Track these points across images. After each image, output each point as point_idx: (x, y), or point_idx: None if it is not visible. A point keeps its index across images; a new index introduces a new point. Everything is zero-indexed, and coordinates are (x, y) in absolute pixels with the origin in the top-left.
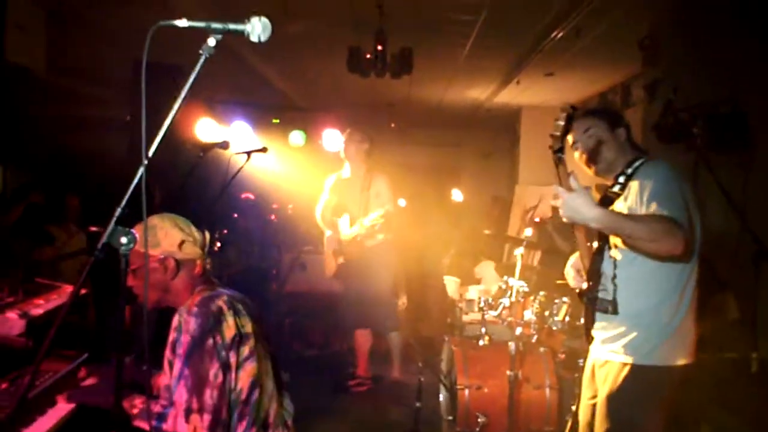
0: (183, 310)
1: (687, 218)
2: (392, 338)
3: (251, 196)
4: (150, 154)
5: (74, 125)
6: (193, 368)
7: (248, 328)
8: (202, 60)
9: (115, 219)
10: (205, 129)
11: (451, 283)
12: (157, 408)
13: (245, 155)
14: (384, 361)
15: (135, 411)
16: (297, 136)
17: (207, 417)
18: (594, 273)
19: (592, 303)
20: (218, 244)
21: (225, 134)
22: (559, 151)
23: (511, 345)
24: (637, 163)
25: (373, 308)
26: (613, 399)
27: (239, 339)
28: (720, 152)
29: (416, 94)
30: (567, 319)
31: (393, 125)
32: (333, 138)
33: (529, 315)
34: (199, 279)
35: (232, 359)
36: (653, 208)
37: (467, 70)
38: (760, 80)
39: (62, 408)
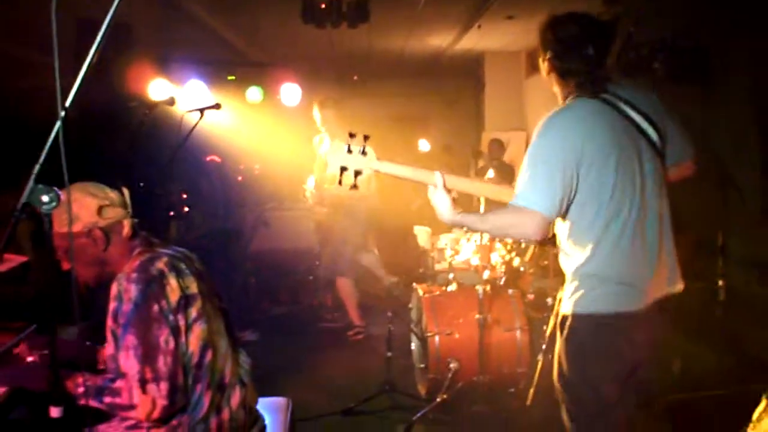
0: (121, 277)
1: (553, 190)
2: (339, 283)
3: (217, 159)
4: (67, 104)
5: (26, 95)
6: (141, 337)
7: (193, 288)
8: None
9: (33, 176)
10: (158, 89)
11: (422, 233)
12: (103, 382)
13: (198, 113)
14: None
15: (80, 390)
16: (254, 92)
17: (164, 385)
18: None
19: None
20: (186, 209)
21: (179, 93)
22: None
23: (479, 289)
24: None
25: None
26: (560, 351)
27: (185, 301)
28: (681, 86)
29: (377, 45)
30: (534, 259)
31: (355, 78)
32: (291, 93)
33: (496, 258)
34: (133, 241)
35: (181, 322)
36: (517, 184)
37: (427, 17)
38: (721, 14)
39: None
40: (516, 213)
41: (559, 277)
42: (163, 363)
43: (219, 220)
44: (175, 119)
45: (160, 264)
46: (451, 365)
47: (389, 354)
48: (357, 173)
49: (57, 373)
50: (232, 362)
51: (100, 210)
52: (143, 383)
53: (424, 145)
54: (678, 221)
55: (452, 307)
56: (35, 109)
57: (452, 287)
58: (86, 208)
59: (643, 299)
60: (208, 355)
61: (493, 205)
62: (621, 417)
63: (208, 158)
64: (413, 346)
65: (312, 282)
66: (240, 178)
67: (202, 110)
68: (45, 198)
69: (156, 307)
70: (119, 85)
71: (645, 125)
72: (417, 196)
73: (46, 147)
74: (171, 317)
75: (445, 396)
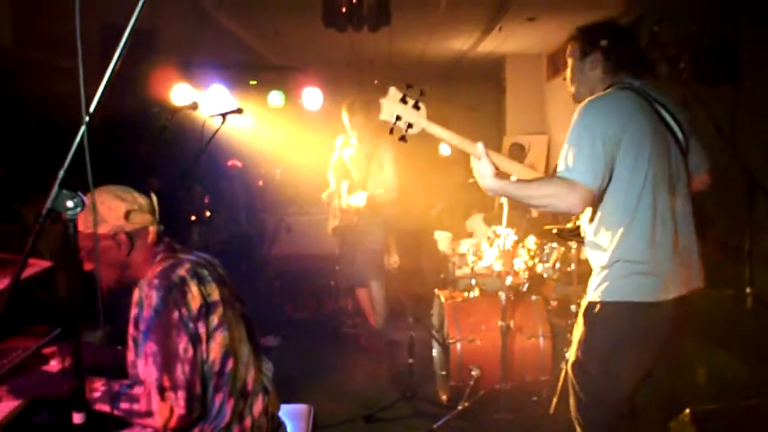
0: (143, 283)
1: (597, 165)
2: (372, 288)
3: (238, 164)
4: (91, 110)
5: (50, 100)
6: (161, 344)
7: (215, 295)
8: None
9: (58, 182)
10: (181, 94)
11: (443, 238)
12: (121, 388)
13: (221, 117)
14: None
15: (96, 394)
16: (276, 97)
17: (182, 393)
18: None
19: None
20: (208, 213)
21: (202, 98)
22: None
23: (502, 295)
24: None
25: (361, 264)
26: (581, 337)
27: (206, 309)
28: (708, 86)
29: (397, 49)
30: (558, 265)
31: (376, 82)
32: (313, 97)
33: (519, 263)
34: (156, 247)
35: (201, 330)
36: (560, 161)
37: (448, 20)
38: (750, 9)
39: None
40: (561, 184)
41: (584, 284)
42: (181, 371)
43: (241, 224)
44: (198, 124)
45: (182, 271)
46: (473, 372)
47: (411, 360)
48: (409, 125)
49: (81, 379)
50: (255, 369)
51: (127, 214)
52: (161, 390)
53: (445, 149)
54: (705, 226)
55: (474, 314)
56: (61, 114)
57: (474, 293)
58: (114, 211)
59: (668, 291)
60: (230, 363)
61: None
62: (631, 410)
63: (229, 162)
64: (435, 352)
65: (333, 287)
66: (261, 183)
67: (224, 115)
68: (70, 203)
69: (176, 315)
70: (142, 90)
71: (674, 126)
72: (438, 200)
73: (71, 152)
74: (191, 325)
75: (466, 404)
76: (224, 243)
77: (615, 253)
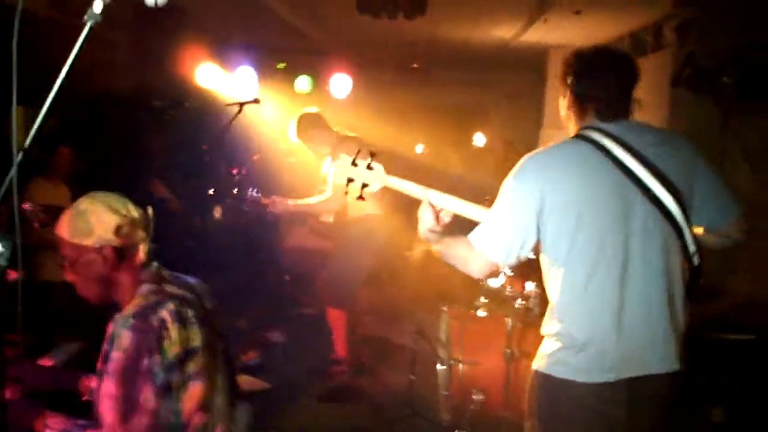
0: (119, 319)
1: (504, 238)
2: (332, 315)
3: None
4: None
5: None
6: (124, 389)
7: (196, 341)
8: (86, 30)
9: None
10: (207, 74)
11: None
12: (75, 429)
13: (237, 106)
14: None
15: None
16: (303, 82)
17: None
18: None
19: None
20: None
21: (228, 80)
22: None
23: (508, 322)
24: None
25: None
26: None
27: (184, 356)
28: (753, 102)
29: (440, 34)
30: None
31: (415, 65)
32: (341, 84)
33: (530, 287)
34: (143, 270)
35: (175, 378)
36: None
37: (493, 7)
38: None
39: None
40: (467, 249)
41: None
42: (137, 422)
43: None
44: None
45: (164, 312)
46: (476, 397)
47: (412, 377)
48: (364, 185)
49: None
50: (225, 423)
51: (118, 229)
52: None
53: (479, 139)
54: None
55: (481, 336)
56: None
57: (482, 312)
58: (104, 224)
59: (609, 371)
60: (197, 418)
61: None
62: None
63: (255, 157)
64: (439, 367)
65: None
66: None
67: (241, 104)
68: None
69: (146, 363)
70: (169, 66)
71: (649, 180)
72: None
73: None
74: (161, 375)
75: (466, 430)
76: (247, 225)
77: (548, 321)
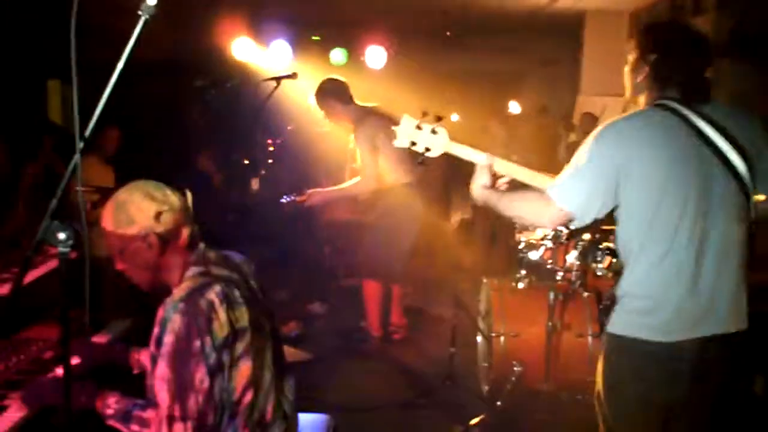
0: (169, 303)
1: (583, 192)
2: (367, 287)
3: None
4: (87, 133)
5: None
6: (177, 372)
7: (244, 320)
8: (141, 22)
9: (50, 213)
10: (243, 48)
11: None
12: (133, 408)
13: (275, 82)
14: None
15: (108, 411)
16: (338, 54)
17: (191, 424)
18: None
19: None
20: (270, 161)
21: (263, 55)
22: None
23: (550, 295)
24: None
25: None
26: (598, 367)
27: (233, 337)
28: None
29: (473, 0)
30: (613, 263)
31: (448, 33)
32: (376, 55)
33: (571, 259)
34: (189, 252)
35: (225, 358)
36: (563, 171)
37: None
38: None
39: (14, 414)
40: (539, 200)
41: None
42: (194, 402)
43: (302, 176)
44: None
45: (211, 294)
46: (516, 368)
47: (452, 350)
48: (427, 149)
49: (68, 387)
50: (276, 397)
51: (158, 215)
52: (170, 420)
53: (514, 107)
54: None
55: (521, 308)
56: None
57: (523, 284)
58: (144, 212)
59: (682, 330)
60: (249, 395)
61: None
62: None
63: (289, 127)
64: (479, 339)
65: None
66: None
67: (278, 79)
68: (61, 236)
69: (197, 344)
70: (206, 39)
71: (727, 149)
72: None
73: (63, 182)
74: (213, 355)
75: (506, 402)
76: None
77: (622, 287)
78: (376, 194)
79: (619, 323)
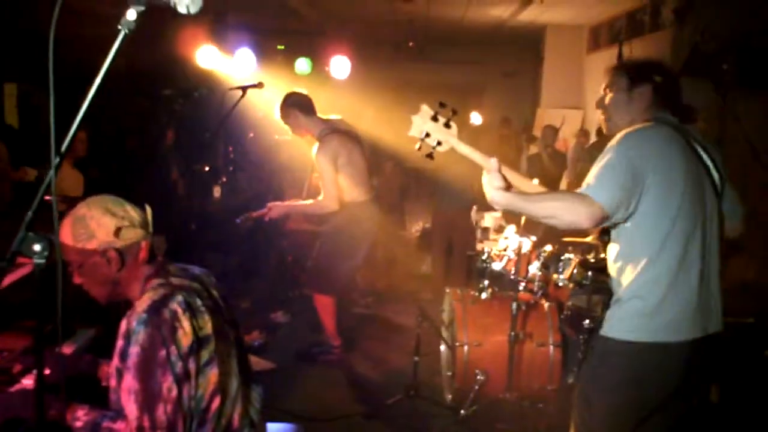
0: (132, 315)
1: (617, 192)
2: (321, 301)
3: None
4: (63, 149)
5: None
6: (144, 383)
7: (207, 328)
8: (121, 37)
9: (25, 224)
10: (207, 57)
11: None
12: (102, 420)
13: (240, 91)
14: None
15: (78, 423)
16: (303, 64)
17: None
18: (603, 244)
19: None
20: (230, 168)
21: (228, 63)
22: None
23: (513, 305)
24: None
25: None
26: (588, 366)
27: (197, 345)
28: (753, 91)
29: (436, 12)
30: (574, 274)
31: (411, 44)
32: (341, 65)
33: (533, 269)
34: (148, 265)
35: (191, 366)
36: (586, 180)
37: None
38: None
39: None
40: (578, 199)
41: (600, 295)
42: (162, 411)
43: (263, 183)
44: (216, 96)
45: (174, 304)
46: (479, 377)
47: (416, 359)
48: (438, 143)
49: (41, 392)
50: (242, 404)
51: (117, 231)
52: (140, 431)
53: (476, 118)
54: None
55: (484, 318)
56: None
57: (485, 294)
58: (104, 227)
59: (680, 333)
60: (216, 401)
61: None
62: None
63: (249, 135)
64: (442, 348)
65: None
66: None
67: (244, 89)
68: (37, 247)
69: (163, 353)
70: (168, 48)
71: (711, 167)
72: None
73: (39, 194)
74: (179, 364)
75: (469, 411)
76: (247, 202)
77: (630, 290)
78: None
79: (623, 327)
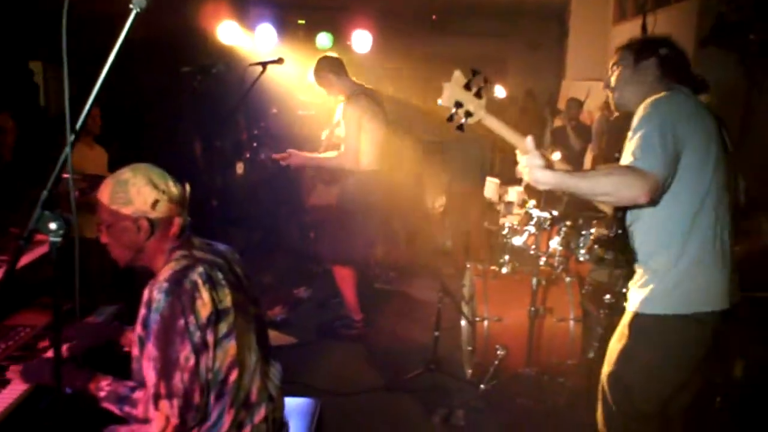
0: (154, 284)
1: (666, 158)
2: (340, 273)
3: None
4: (78, 126)
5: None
6: (162, 350)
7: (227, 301)
8: (132, 15)
9: (41, 203)
10: (228, 32)
11: (490, 185)
12: (124, 390)
13: (261, 67)
14: None
15: (102, 393)
16: (324, 39)
17: (176, 402)
18: (618, 220)
19: (624, 253)
20: (254, 144)
21: (249, 39)
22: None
23: (533, 281)
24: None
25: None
26: (617, 346)
27: (216, 317)
28: None
29: None
30: (595, 249)
31: (434, 17)
32: (362, 39)
33: (554, 244)
34: (176, 239)
35: (209, 338)
36: (627, 155)
37: None
38: None
39: (15, 389)
40: (631, 172)
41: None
42: (179, 380)
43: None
44: (237, 72)
45: (195, 275)
46: (499, 352)
47: (436, 333)
48: (468, 114)
49: (59, 370)
50: (261, 378)
51: (155, 203)
52: (156, 398)
53: (500, 91)
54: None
55: (505, 293)
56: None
57: (506, 269)
58: (142, 196)
59: (716, 303)
60: (234, 374)
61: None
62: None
63: (273, 110)
64: (463, 323)
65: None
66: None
67: (264, 64)
68: (53, 225)
69: (182, 322)
70: (191, 21)
71: (726, 137)
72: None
73: (54, 173)
74: (198, 334)
75: (489, 385)
76: (269, 180)
77: (660, 264)
78: (343, 178)
79: (656, 302)
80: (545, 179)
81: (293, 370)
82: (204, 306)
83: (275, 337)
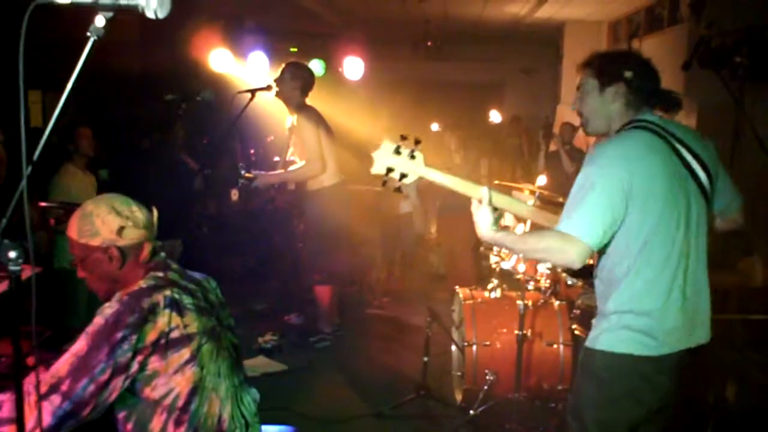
0: (117, 294)
1: (598, 221)
2: (320, 292)
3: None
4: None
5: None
6: (86, 351)
7: (193, 327)
8: (90, 43)
9: None
10: (220, 60)
11: None
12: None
13: (249, 94)
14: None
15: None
16: (316, 66)
17: (66, 405)
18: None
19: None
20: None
21: (241, 67)
22: None
23: (520, 304)
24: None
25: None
26: (577, 384)
27: (168, 342)
28: (766, 84)
29: (453, 10)
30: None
31: (429, 43)
32: (354, 66)
33: (542, 268)
34: (149, 264)
35: (157, 364)
36: (568, 206)
37: None
38: None
39: None
40: (560, 239)
41: None
42: (82, 387)
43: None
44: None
45: (158, 296)
46: (489, 377)
47: (426, 359)
48: (403, 176)
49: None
50: (234, 405)
51: (120, 230)
52: (52, 388)
53: (495, 116)
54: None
55: (494, 317)
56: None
57: (495, 294)
58: (107, 225)
59: (669, 346)
60: (195, 401)
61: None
62: None
63: (269, 139)
64: (453, 348)
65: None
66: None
67: (253, 91)
68: (12, 254)
69: (119, 335)
70: (182, 51)
71: (695, 166)
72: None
73: (12, 204)
74: (128, 354)
75: (478, 411)
76: (263, 206)
77: (614, 302)
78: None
79: (612, 340)
80: (487, 236)
81: (283, 397)
82: (154, 330)
83: (265, 363)
